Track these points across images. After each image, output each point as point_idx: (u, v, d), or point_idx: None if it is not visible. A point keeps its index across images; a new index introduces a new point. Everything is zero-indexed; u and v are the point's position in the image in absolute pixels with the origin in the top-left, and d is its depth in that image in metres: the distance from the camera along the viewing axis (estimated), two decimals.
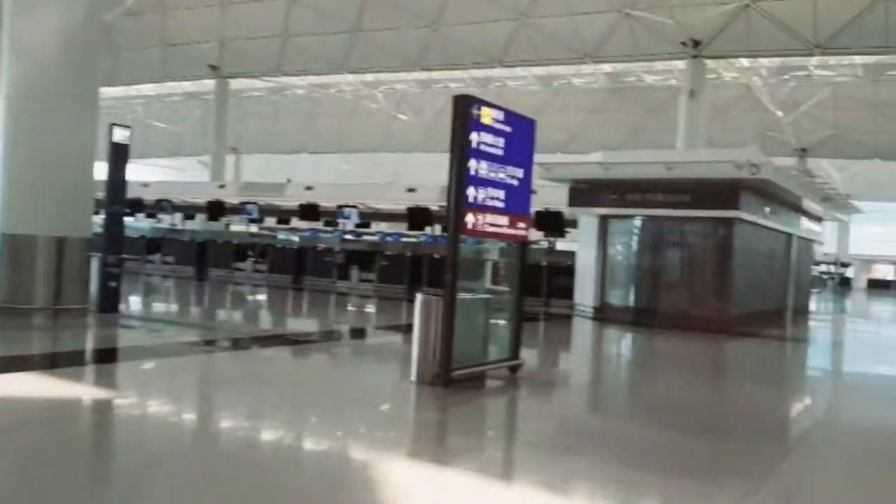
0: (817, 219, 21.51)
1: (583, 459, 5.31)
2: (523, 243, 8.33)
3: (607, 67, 32.97)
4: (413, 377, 7.22)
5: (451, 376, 7.05)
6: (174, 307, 16.03)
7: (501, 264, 9.64)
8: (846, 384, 10.66)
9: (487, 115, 7.48)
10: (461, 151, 7.22)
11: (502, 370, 8.01)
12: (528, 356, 9.07)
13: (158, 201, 24.54)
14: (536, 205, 19.05)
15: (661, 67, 32.66)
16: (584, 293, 16.56)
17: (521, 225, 8.09)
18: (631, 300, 15.72)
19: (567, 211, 17.17)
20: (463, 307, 7.42)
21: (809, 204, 18.65)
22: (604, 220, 16.29)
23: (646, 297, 15.52)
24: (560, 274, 18.04)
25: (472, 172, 7.29)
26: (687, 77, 24.98)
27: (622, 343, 14.11)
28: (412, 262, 20.28)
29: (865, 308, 31.79)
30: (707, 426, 7.00)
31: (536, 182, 17.86)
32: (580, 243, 17.13)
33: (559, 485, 4.71)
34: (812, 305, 23.92)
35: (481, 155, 7.40)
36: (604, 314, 16.08)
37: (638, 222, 15.72)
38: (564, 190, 16.58)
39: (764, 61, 29.30)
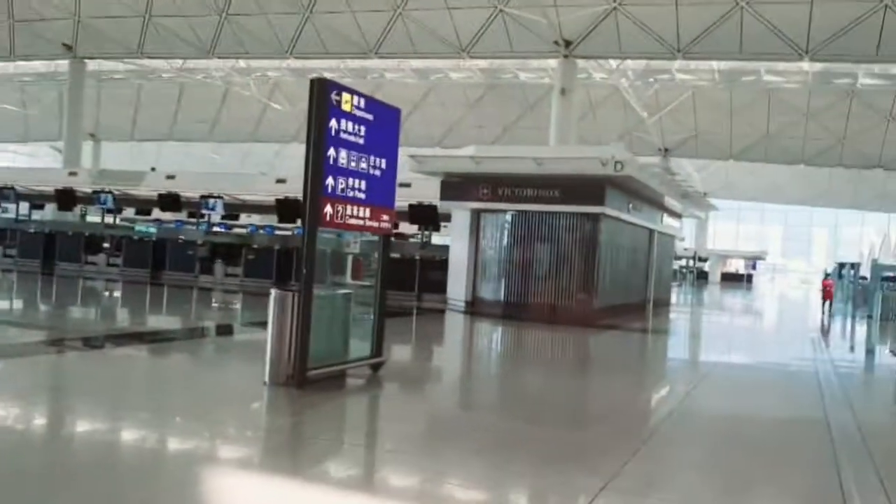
0: (677, 215, 22.54)
1: (441, 461, 5.09)
2: (387, 236, 8.01)
3: (483, 63, 33.30)
4: (266, 378, 6.77)
5: (306, 376, 6.65)
6: (16, 304, 14.64)
7: (365, 258, 9.23)
8: (701, 373, 11.06)
9: (348, 102, 7.11)
10: (319, 138, 6.81)
11: (364, 368, 7.68)
12: (395, 353, 8.81)
13: (0, 189, 22.46)
14: (410, 198, 18.93)
15: (535, 66, 33.33)
16: (457, 287, 16.52)
17: (385, 217, 7.77)
18: (502, 294, 15.80)
19: (441, 205, 17.05)
20: (321, 303, 7.04)
21: (670, 201, 19.48)
22: (476, 214, 16.30)
23: (516, 290, 15.64)
24: (433, 268, 17.92)
25: (331, 161, 6.90)
26: (559, 76, 25.59)
27: (491, 337, 14.10)
28: (281, 256, 19.53)
29: (720, 300, 33.84)
30: (571, 418, 6.99)
31: (411, 175, 17.75)
32: (453, 237, 17.07)
33: (413, 490, 4.45)
34: (672, 298, 25.11)
35: (341, 143, 7.02)
36: (475, 308, 16.10)
37: (509, 217, 15.80)
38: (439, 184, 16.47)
39: (630, 63, 30.44)
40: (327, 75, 33.24)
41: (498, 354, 12.49)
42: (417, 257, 18.34)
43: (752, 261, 53.86)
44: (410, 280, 17.49)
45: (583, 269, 15.22)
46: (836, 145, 34.30)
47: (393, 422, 6.56)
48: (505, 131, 37.16)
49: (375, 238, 8.25)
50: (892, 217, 51.42)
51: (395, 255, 19.30)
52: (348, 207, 7.16)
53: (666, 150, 36.49)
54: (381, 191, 7.66)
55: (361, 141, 7.31)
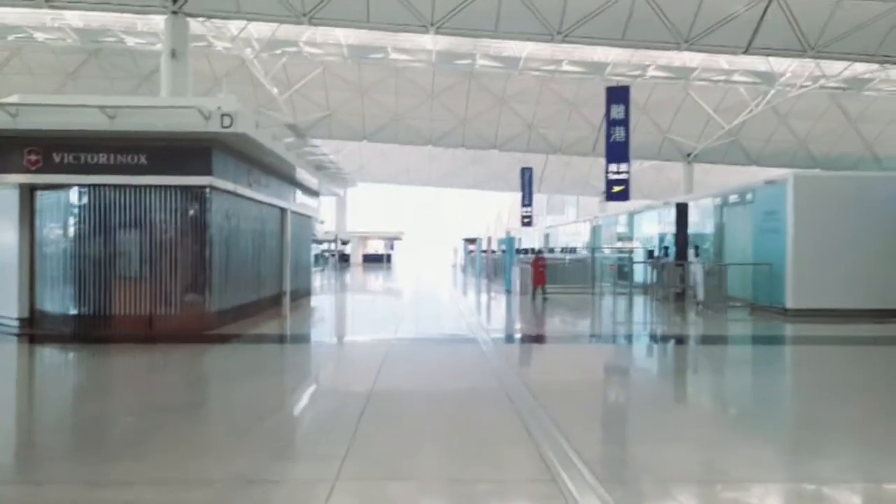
0: (314, 193, 19.10)
1: None
2: None
3: (76, 21, 26.19)
4: None
5: None
6: None
7: None
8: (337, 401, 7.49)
9: None
10: None
11: None
12: None
13: None
14: None
15: (145, 29, 27.26)
16: (5, 299, 10.89)
17: None
18: (73, 305, 10.59)
19: None
20: None
21: (304, 174, 15.88)
22: (27, 191, 10.82)
23: (94, 299, 10.56)
24: None
25: None
26: (168, 36, 20.27)
27: (34, 380, 8.40)
28: None
29: (364, 283, 31.28)
30: None
31: None
32: None
33: None
34: (314, 285, 21.70)
35: None
36: (36, 327, 10.71)
37: (75, 194, 10.62)
38: None
39: (254, 32, 26.27)
40: None
41: (24, 419, 6.58)
42: None
43: (391, 241, 53.62)
44: None
45: (189, 262, 10.76)
46: (459, 126, 34.28)
47: None
48: None
49: None
50: (505, 195, 55.14)
51: None
52: None
53: (298, 128, 33.06)
54: None
55: None
